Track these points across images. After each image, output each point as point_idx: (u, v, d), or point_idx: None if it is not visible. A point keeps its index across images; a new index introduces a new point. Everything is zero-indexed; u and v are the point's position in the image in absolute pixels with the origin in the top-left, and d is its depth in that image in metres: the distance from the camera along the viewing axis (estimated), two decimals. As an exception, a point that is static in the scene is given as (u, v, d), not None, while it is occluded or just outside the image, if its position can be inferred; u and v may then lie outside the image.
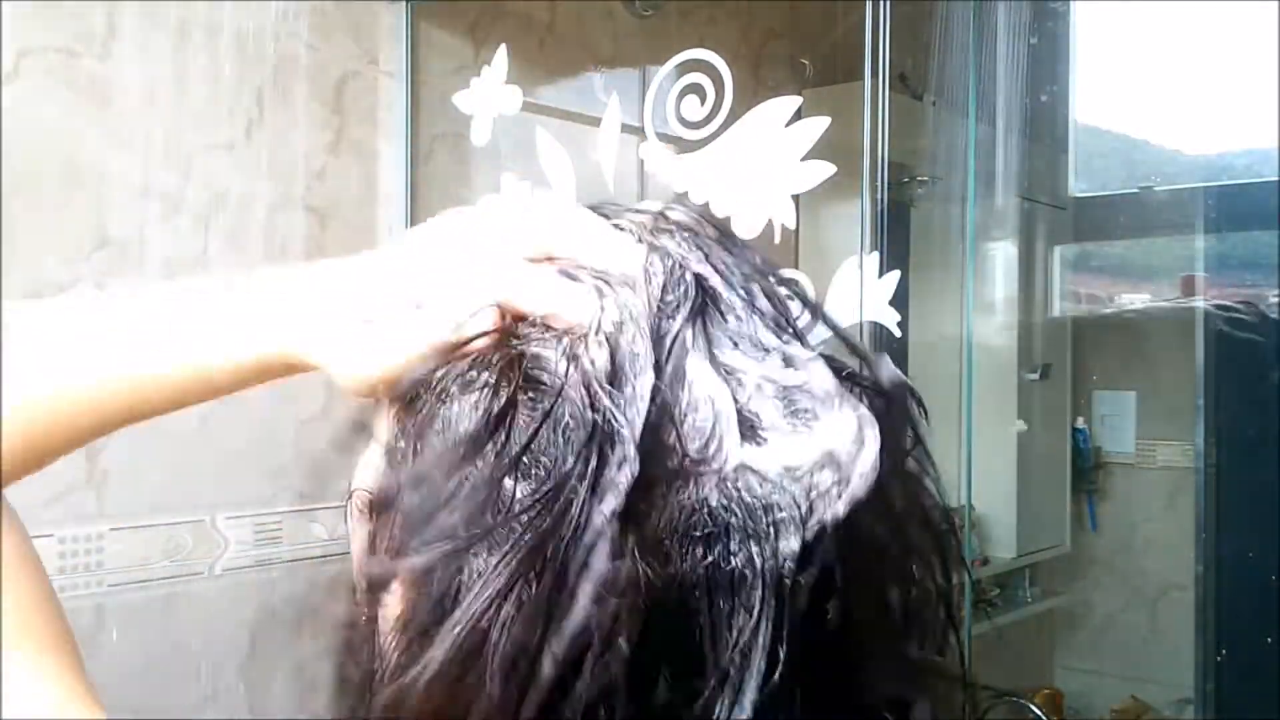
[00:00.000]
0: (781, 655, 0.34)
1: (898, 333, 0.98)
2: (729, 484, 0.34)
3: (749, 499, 0.34)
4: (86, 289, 1.21)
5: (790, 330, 0.39)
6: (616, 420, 0.34)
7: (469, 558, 0.34)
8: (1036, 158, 2.46)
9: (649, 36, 1.84)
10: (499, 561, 0.33)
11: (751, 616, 0.34)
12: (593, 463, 0.33)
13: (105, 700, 0.44)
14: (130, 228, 1.28)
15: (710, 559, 0.34)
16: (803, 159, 1.04)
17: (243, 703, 1.40)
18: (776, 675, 0.34)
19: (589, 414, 0.34)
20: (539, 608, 0.33)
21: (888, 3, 0.99)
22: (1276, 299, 2.25)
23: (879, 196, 1.01)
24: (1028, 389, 2.44)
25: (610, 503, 0.33)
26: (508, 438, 0.35)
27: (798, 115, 1.05)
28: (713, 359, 0.36)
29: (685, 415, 0.35)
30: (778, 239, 1.06)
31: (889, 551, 0.38)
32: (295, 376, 0.44)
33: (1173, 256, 2.50)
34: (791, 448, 0.35)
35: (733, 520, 0.34)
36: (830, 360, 0.38)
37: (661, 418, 0.34)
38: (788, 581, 0.34)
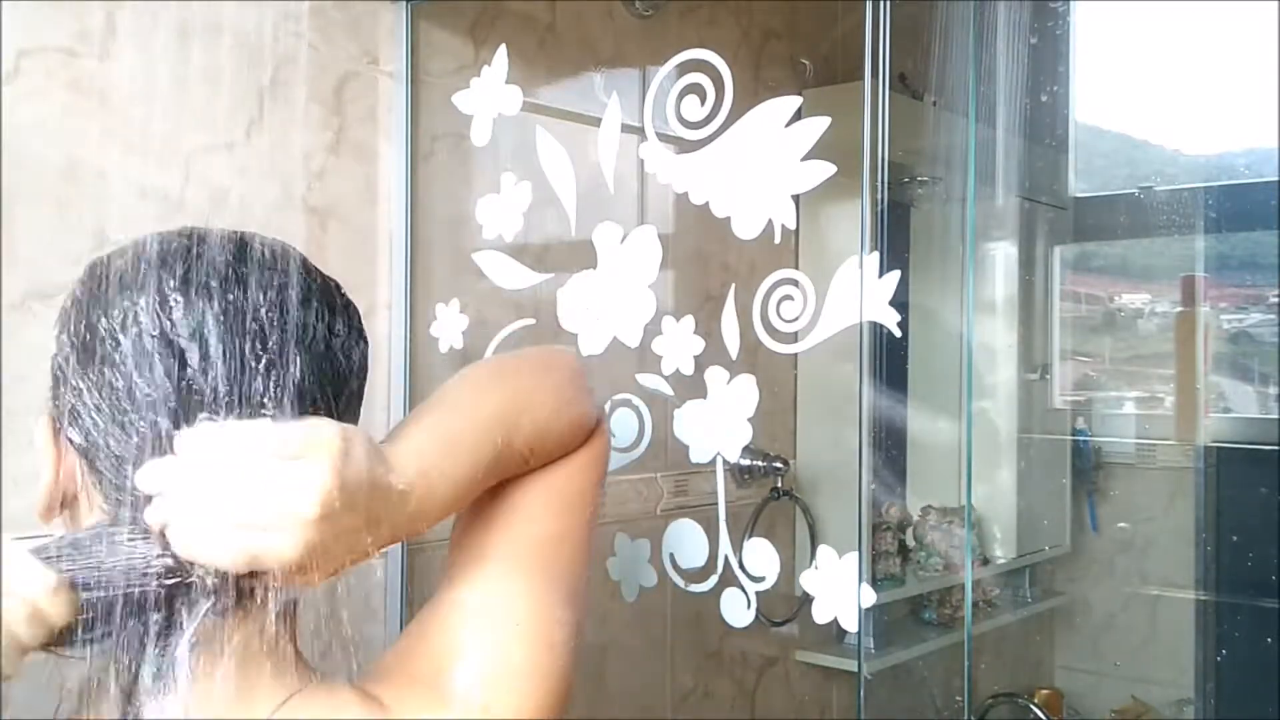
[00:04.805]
0: None
1: (898, 332, 0.98)
2: None
3: None
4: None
5: None
6: None
7: None
8: (1036, 158, 2.46)
9: (649, 36, 1.84)
10: None
11: None
12: None
13: None
14: (130, 228, 1.28)
15: None
16: (803, 159, 1.04)
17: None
18: None
19: None
20: None
21: (888, 3, 0.99)
22: (1276, 299, 2.25)
23: (879, 196, 1.01)
24: (1027, 389, 2.44)
25: None
26: None
27: (798, 115, 1.05)
28: None
29: None
30: (778, 239, 1.06)
31: None
32: None
33: (1173, 256, 2.50)
34: None
35: None
36: None
37: None
38: None
